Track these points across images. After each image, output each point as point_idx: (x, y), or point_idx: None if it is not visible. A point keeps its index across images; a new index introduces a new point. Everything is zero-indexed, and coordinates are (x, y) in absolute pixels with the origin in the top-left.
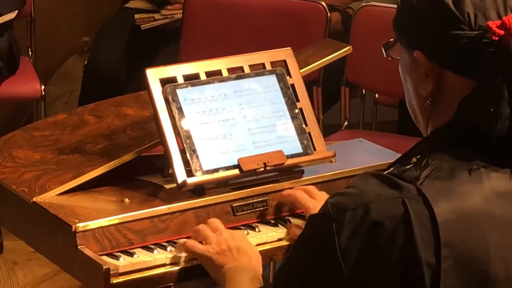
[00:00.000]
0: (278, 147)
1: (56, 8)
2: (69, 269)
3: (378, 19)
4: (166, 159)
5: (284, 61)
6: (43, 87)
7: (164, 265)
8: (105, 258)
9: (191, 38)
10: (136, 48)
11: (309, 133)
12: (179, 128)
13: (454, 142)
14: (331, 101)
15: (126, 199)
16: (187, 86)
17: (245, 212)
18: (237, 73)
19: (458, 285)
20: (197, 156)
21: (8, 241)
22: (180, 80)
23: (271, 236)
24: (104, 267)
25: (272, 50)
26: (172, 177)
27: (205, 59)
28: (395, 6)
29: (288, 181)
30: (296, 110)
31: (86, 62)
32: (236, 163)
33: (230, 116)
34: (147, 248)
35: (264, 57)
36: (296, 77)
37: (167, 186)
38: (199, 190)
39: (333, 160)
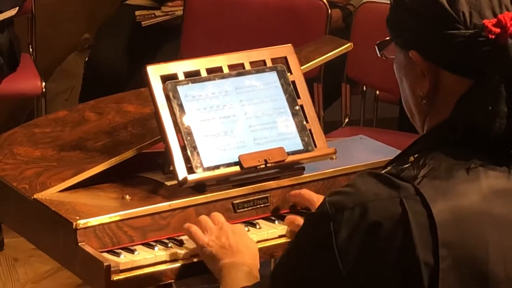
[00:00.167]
0: (279, 144)
1: (57, 5)
2: (70, 266)
3: (379, 16)
4: (167, 156)
5: (285, 57)
6: (43, 84)
7: (165, 262)
8: (106, 255)
9: (192, 35)
10: (136, 45)
11: (310, 130)
12: (180, 125)
13: (452, 141)
14: (332, 97)
15: (127, 196)
16: (188, 83)
17: (246, 209)
18: (238, 70)
19: (457, 285)
20: (198, 153)
21: (9, 238)
22: (181, 77)
23: (271, 232)
24: (105, 264)
25: (272, 47)
26: (173, 174)
27: (206, 56)
28: None
29: (289, 178)
30: (297, 107)
31: (87, 59)
32: (237, 160)
33: (231, 113)
34: (148, 245)
35: (265, 53)
36: (297, 74)
37: (168, 183)
38: (200, 187)
39: (334, 157)
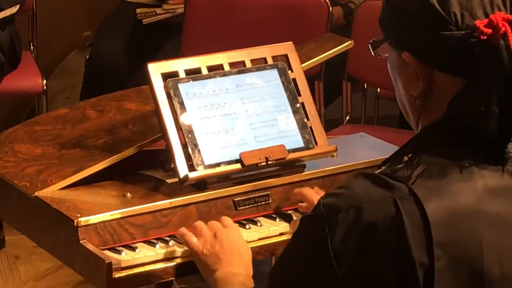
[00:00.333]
0: (279, 141)
1: (58, 3)
2: (71, 263)
3: (380, 14)
4: (167, 153)
5: (286, 55)
6: (44, 81)
7: (166, 259)
8: (107, 252)
9: (193, 32)
10: (137, 43)
11: (311, 127)
12: (180, 122)
13: (445, 140)
14: (333, 95)
15: (128, 193)
16: (188, 81)
17: (247, 206)
18: (238, 68)
19: (452, 284)
20: (199, 151)
21: (10, 236)
22: (182, 74)
23: (272, 230)
24: (106, 261)
25: (273, 45)
26: (174, 172)
27: (207, 53)
28: None
29: (290, 175)
30: (298, 105)
31: (87, 57)
32: (238, 157)
33: (231, 111)
34: (149, 243)
35: (266, 51)
36: (297, 72)
37: (169, 181)
38: (201, 184)
39: (335, 154)
